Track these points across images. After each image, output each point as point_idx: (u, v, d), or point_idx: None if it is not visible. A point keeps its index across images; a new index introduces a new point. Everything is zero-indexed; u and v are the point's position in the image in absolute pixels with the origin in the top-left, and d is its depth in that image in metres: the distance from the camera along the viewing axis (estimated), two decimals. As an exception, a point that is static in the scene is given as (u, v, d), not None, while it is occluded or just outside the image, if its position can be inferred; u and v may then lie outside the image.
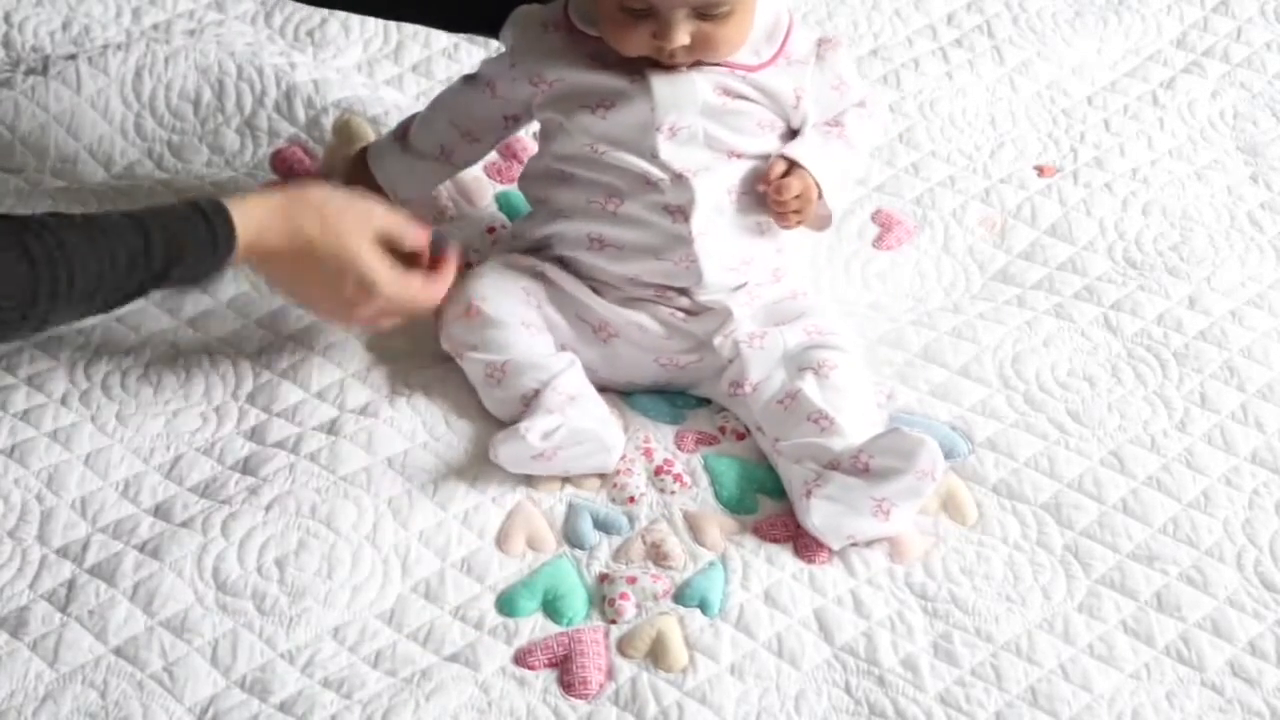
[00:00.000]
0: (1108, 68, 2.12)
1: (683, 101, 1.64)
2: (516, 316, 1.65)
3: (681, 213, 1.63)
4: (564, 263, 1.69)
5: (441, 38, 2.10)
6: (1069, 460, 1.59)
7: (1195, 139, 2.00)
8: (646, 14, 1.59)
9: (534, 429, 1.53)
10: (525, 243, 1.73)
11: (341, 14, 2.11)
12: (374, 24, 2.10)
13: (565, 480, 1.58)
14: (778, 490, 1.56)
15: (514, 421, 1.57)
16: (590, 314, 1.67)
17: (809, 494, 1.51)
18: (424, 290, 1.64)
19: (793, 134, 1.69)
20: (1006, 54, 2.13)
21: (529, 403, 1.59)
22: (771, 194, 1.63)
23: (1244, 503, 1.56)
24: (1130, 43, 2.16)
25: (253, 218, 1.55)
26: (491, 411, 1.63)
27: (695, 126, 1.64)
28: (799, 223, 1.66)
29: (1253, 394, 1.66)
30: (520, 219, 1.79)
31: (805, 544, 1.51)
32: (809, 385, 1.58)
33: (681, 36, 1.59)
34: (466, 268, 1.73)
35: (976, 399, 1.65)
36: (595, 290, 1.67)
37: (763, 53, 1.67)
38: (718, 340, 1.64)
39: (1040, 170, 1.95)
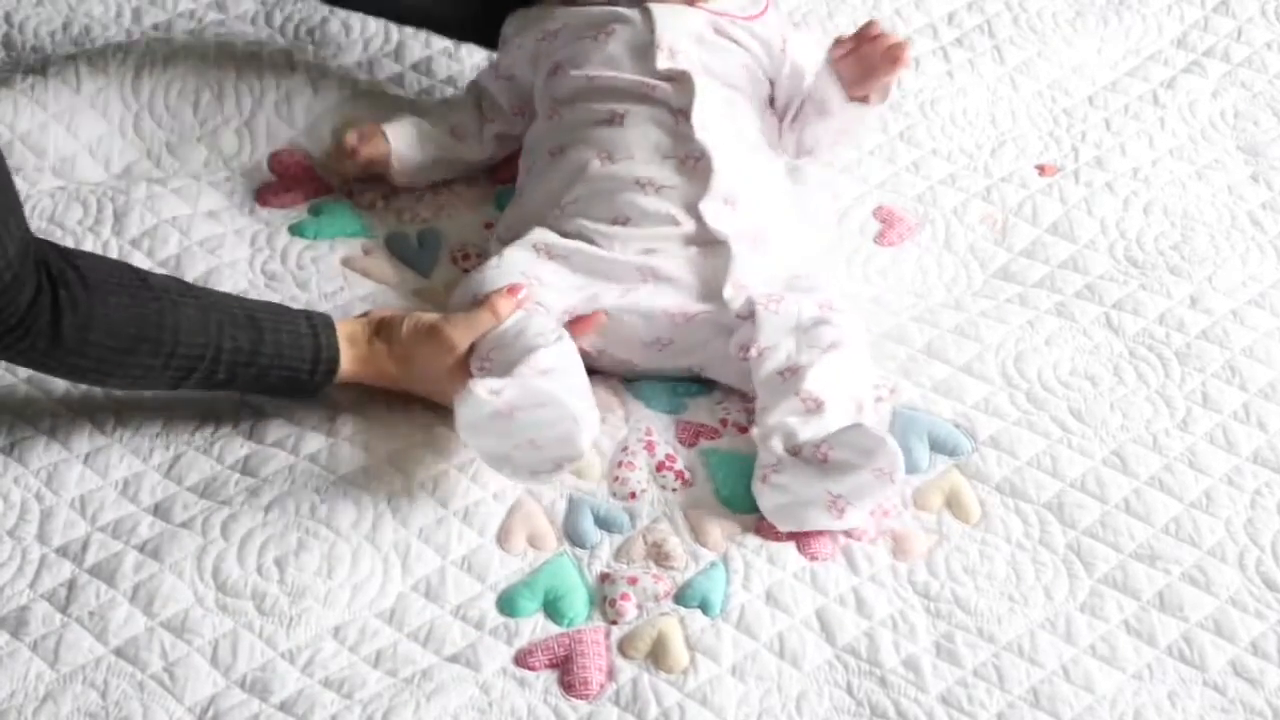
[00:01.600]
0: (1108, 67, 2.12)
1: (680, 28, 1.76)
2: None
3: (684, 114, 1.72)
4: (565, 233, 1.70)
5: (442, 37, 2.10)
6: (1071, 459, 1.59)
7: (1196, 138, 2.00)
8: None
9: (482, 383, 1.49)
10: (526, 215, 1.74)
11: (342, 13, 2.11)
12: (374, 24, 2.10)
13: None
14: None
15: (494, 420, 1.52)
16: (598, 271, 1.67)
17: (765, 478, 1.51)
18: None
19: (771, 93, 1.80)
20: (1007, 53, 2.12)
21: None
22: (872, 35, 1.70)
23: (1246, 502, 1.55)
24: (1131, 42, 2.16)
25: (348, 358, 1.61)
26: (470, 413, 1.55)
27: (692, 54, 1.75)
28: (902, 65, 1.71)
29: (1254, 393, 1.66)
30: (513, 201, 1.81)
31: (807, 540, 1.51)
32: (813, 363, 1.57)
33: None
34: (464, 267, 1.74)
35: (979, 396, 1.65)
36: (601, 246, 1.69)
37: (750, 9, 1.80)
38: (727, 291, 1.63)
39: (1041, 169, 1.95)
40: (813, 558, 1.50)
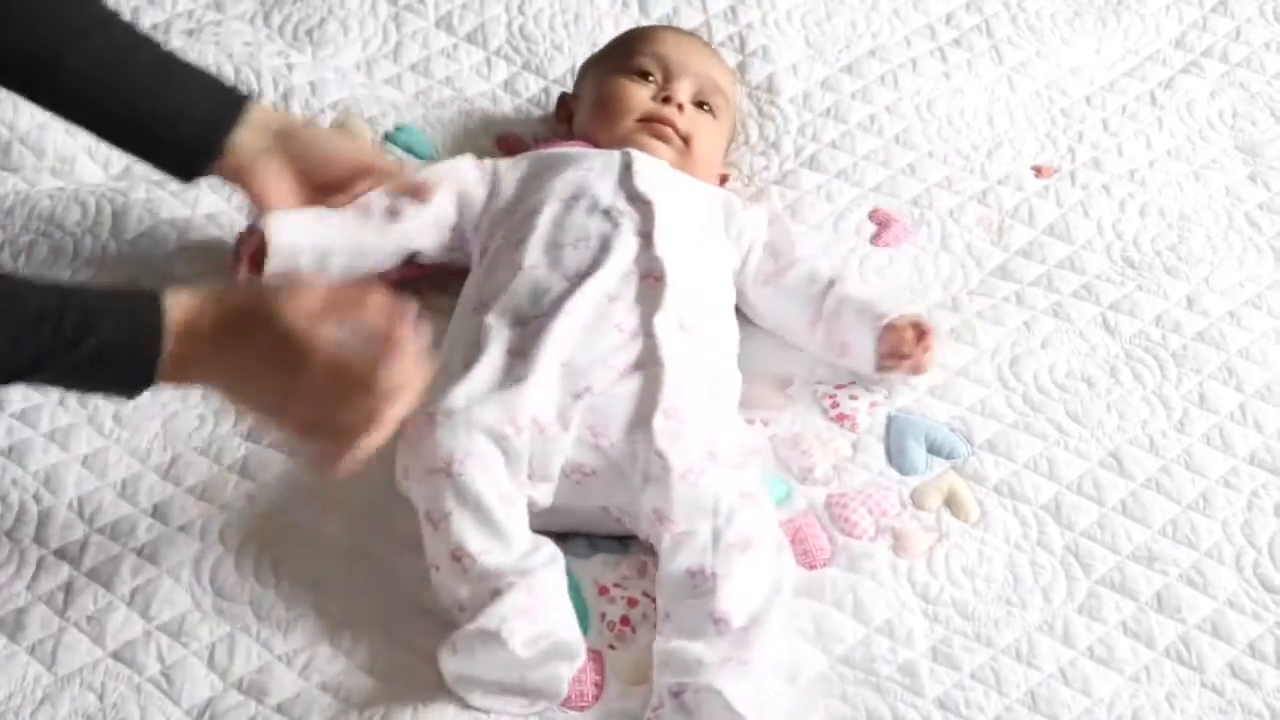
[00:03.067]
0: (1106, 67, 2.12)
1: (652, 169, 1.73)
2: (495, 488, 1.45)
3: (646, 237, 1.65)
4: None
5: (441, 37, 2.10)
6: (1068, 461, 1.59)
7: (1194, 139, 2.00)
8: (650, 79, 1.83)
9: (517, 634, 1.33)
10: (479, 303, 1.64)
11: (340, 13, 2.11)
12: (373, 24, 2.10)
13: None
14: (774, 496, 1.55)
15: (463, 611, 1.40)
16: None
17: None
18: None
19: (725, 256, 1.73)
20: (1005, 54, 2.12)
21: (494, 597, 1.39)
22: (920, 355, 1.66)
23: (1243, 504, 1.56)
24: (1129, 42, 2.15)
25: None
26: (438, 593, 1.44)
27: (661, 194, 1.70)
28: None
29: (1251, 395, 1.66)
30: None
31: (804, 549, 1.51)
32: (728, 576, 1.42)
33: (688, 90, 1.82)
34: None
35: (975, 399, 1.65)
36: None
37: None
38: (658, 420, 1.50)
39: (1038, 170, 1.94)
40: (810, 567, 1.50)
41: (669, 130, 1.80)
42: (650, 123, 1.80)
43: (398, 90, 2.04)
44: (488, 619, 1.35)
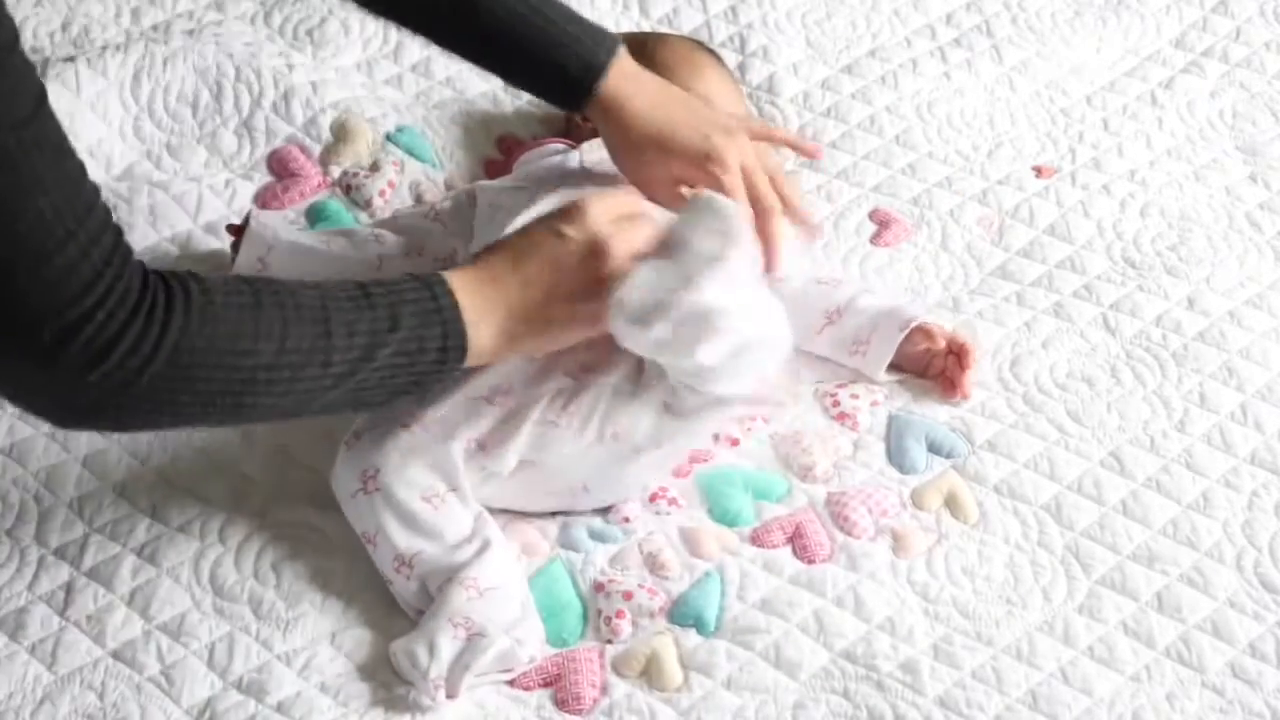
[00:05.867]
0: (1106, 67, 2.12)
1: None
2: (416, 489, 1.47)
3: None
4: None
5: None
6: (1069, 461, 1.59)
7: (1194, 139, 2.00)
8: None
9: (440, 660, 1.36)
10: None
11: (341, 14, 2.11)
12: (373, 24, 2.10)
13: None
14: (773, 494, 1.56)
15: (418, 613, 1.43)
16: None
17: None
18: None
19: None
20: (1005, 53, 2.12)
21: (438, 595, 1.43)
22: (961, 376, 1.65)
23: (1243, 504, 1.55)
24: (1129, 42, 2.15)
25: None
26: (398, 600, 1.46)
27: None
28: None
29: (1252, 395, 1.66)
30: None
31: (804, 544, 1.51)
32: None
33: None
34: None
35: (976, 400, 1.65)
36: None
37: None
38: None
39: (1038, 171, 1.94)
40: (810, 561, 1.50)
41: None
42: None
43: (398, 91, 2.04)
44: (414, 639, 1.38)
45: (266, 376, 1.24)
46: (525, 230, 1.42)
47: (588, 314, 1.39)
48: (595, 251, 1.38)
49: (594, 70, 1.58)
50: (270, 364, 1.24)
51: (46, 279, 1.12)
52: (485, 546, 1.45)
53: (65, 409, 1.20)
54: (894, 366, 1.67)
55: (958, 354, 1.65)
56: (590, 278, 1.38)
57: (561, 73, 1.59)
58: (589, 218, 1.39)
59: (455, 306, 1.33)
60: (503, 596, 1.42)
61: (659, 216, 1.47)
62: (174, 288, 1.20)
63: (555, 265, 1.38)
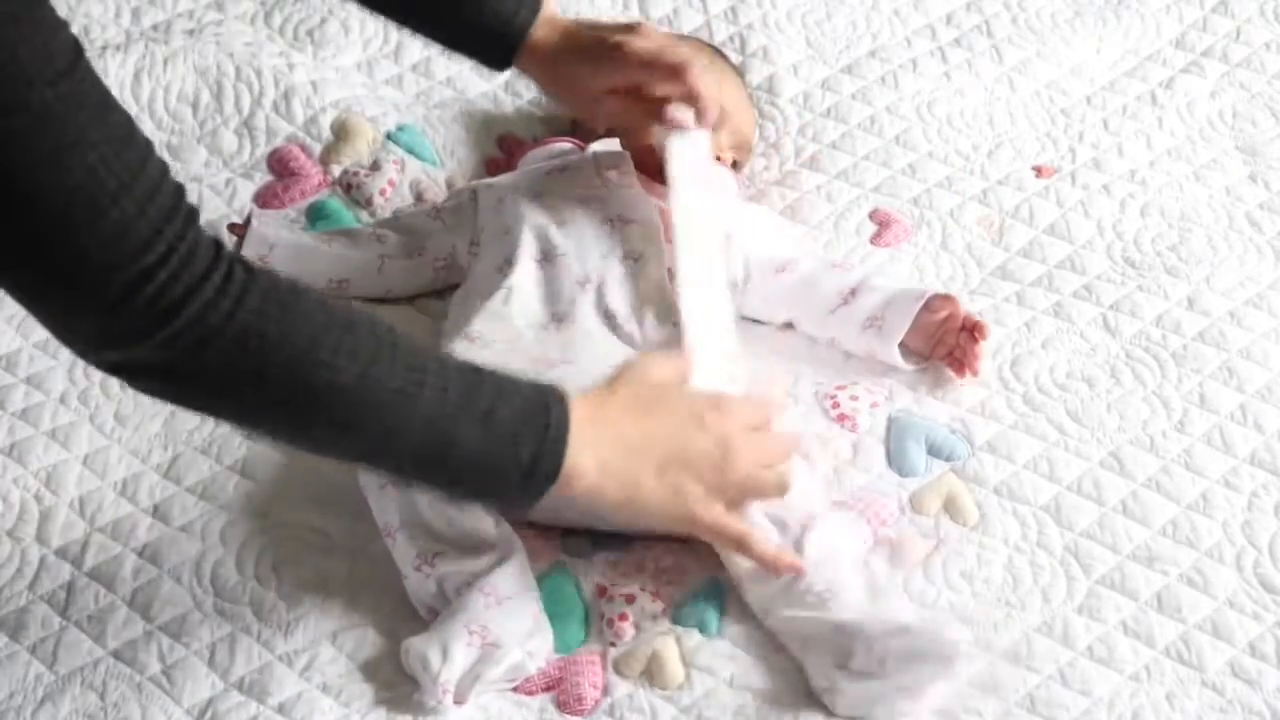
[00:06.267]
0: (1107, 67, 2.12)
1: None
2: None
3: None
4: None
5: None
6: (1068, 462, 1.59)
7: (1194, 139, 2.00)
8: None
9: (453, 666, 1.35)
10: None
11: (341, 14, 2.11)
12: (373, 24, 2.10)
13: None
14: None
15: (431, 612, 1.43)
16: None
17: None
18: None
19: None
20: (1005, 54, 2.12)
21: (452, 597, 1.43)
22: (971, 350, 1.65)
23: (1243, 504, 1.55)
24: (1129, 42, 2.15)
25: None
26: (411, 598, 1.46)
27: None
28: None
29: (1252, 395, 1.66)
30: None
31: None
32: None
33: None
34: None
35: (975, 400, 1.65)
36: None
37: None
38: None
39: (1038, 171, 1.94)
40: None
41: None
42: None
43: (399, 91, 2.05)
44: (429, 640, 1.37)
45: (341, 399, 1.18)
46: (663, 388, 1.37)
47: (677, 508, 1.35)
48: (724, 453, 1.35)
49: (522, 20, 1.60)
50: (348, 386, 1.18)
51: (104, 234, 1.09)
52: (507, 556, 1.44)
53: (130, 369, 1.16)
54: (904, 347, 1.66)
55: (970, 329, 1.65)
56: (704, 476, 1.34)
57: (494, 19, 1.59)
58: (731, 416, 1.36)
59: (565, 424, 1.27)
60: (519, 607, 1.41)
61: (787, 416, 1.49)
62: (256, 270, 1.16)
63: (679, 444, 1.33)
